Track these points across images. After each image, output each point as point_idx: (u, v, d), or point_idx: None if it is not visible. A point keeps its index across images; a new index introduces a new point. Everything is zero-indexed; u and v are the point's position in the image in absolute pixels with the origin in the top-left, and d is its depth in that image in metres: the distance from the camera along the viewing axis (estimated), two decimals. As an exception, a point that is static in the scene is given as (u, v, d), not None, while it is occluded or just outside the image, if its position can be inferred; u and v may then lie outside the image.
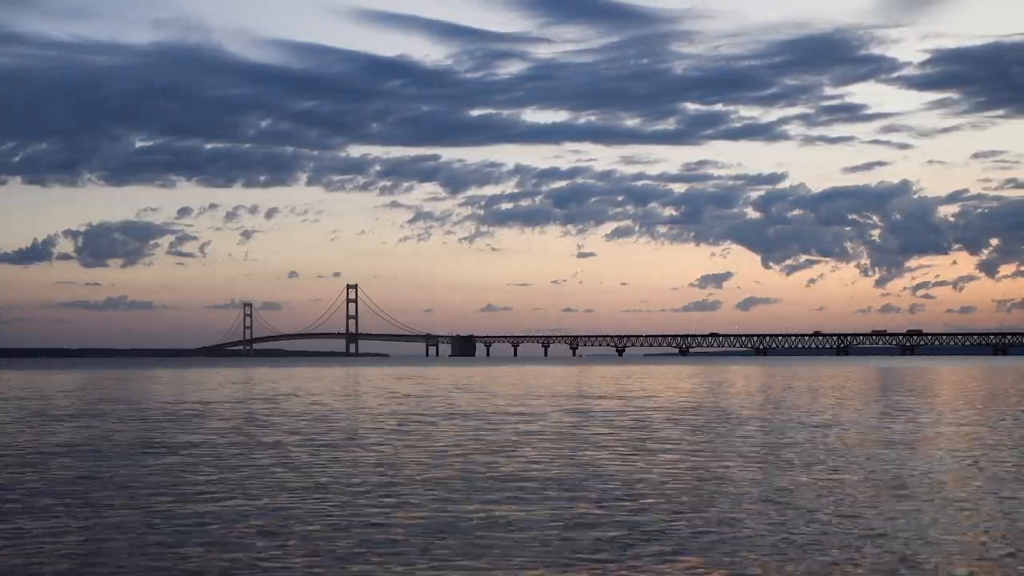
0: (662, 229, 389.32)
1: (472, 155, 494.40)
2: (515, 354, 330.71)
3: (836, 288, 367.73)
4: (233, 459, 18.32)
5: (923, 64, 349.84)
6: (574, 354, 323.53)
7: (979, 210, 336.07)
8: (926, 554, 9.96)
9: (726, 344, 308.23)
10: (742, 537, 10.79)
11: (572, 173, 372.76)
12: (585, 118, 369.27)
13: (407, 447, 20.33)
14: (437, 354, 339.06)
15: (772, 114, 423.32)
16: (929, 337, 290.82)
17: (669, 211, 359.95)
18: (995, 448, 19.58)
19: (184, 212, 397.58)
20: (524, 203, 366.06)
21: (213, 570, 9.49)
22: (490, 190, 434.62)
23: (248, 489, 14.45)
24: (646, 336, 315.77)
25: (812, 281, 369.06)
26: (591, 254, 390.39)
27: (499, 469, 16.55)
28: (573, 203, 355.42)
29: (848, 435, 22.57)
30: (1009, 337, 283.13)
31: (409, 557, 9.92)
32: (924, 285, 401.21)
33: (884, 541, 10.56)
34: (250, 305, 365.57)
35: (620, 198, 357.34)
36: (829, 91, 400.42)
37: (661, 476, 15.62)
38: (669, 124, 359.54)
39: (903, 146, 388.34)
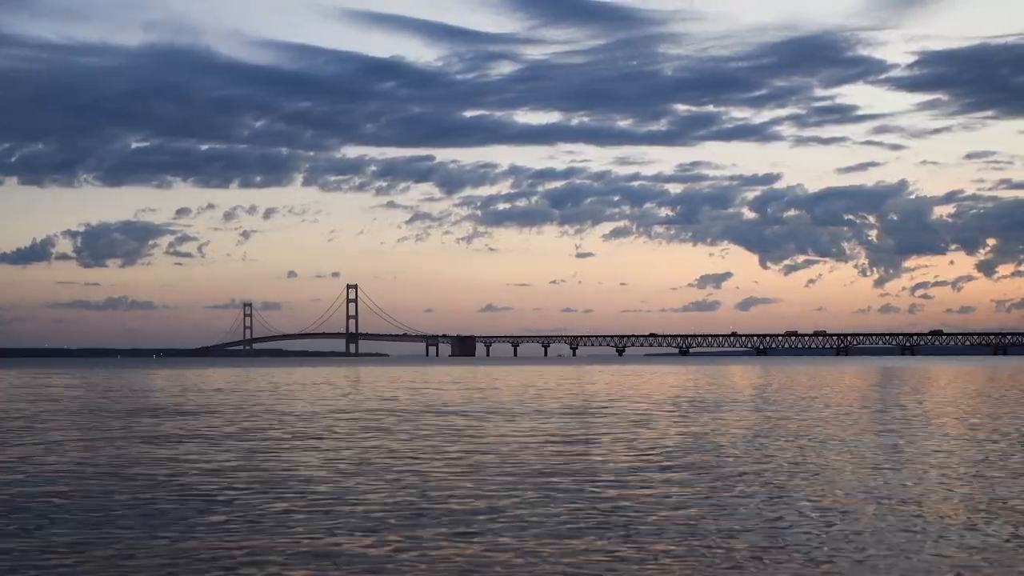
0: (659, 229, 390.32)
1: (466, 156, 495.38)
2: (515, 354, 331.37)
3: (835, 288, 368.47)
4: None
5: (911, 66, 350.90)
6: (574, 354, 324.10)
7: (974, 210, 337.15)
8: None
9: (726, 344, 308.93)
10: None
11: (568, 174, 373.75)
12: (577, 119, 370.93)
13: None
14: (437, 354, 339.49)
15: (763, 115, 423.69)
16: (928, 337, 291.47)
17: (665, 211, 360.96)
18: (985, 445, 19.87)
19: (182, 212, 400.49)
20: (520, 203, 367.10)
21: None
22: (485, 190, 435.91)
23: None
24: (646, 336, 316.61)
25: (811, 281, 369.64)
26: (589, 254, 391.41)
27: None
28: (570, 203, 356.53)
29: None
30: (1008, 337, 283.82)
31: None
32: (923, 285, 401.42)
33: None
34: (250, 305, 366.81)
35: (616, 198, 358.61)
36: (819, 92, 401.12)
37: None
38: (661, 125, 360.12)
39: (896, 147, 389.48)
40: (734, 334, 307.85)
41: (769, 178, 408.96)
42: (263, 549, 10.43)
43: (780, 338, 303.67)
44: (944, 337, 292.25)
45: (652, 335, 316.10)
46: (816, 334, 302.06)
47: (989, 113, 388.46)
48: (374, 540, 10.88)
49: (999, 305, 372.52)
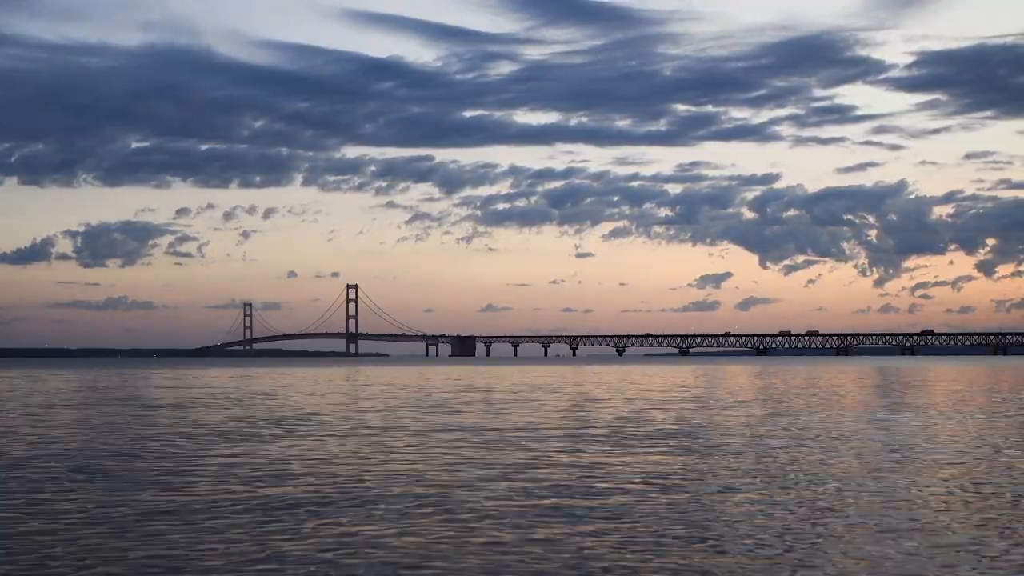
0: (659, 229, 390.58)
1: (466, 156, 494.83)
2: (515, 354, 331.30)
3: (835, 288, 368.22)
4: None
5: (909, 66, 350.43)
6: (574, 354, 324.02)
7: (974, 211, 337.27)
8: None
9: (726, 344, 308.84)
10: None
11: (567, 174, 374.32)
12: (576, 119, 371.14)
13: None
14: (437, 354, 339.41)
15: (762, 115, 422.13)
16: (929, 337, 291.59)
17: (665, 211, 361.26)
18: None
19: (182, 212, 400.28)
20: (520, 203, 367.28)
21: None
22: (485, 190, 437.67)
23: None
24: (646, 336, 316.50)
25: (811, 281, 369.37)
26: (589, 254, 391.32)
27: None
28: (569, 203, 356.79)
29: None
30: (1008, 337, 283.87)
31: None
32: (923, 285, 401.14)
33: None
34: (250, 305, 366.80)
35: (615, 198, 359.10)
36: (818, 92, 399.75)
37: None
38: (660, 125, 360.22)
39: (895, 147, 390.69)
40: (728, 334, 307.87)
41: (768, 178, 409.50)
42: None
43: (779, 338, 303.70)
44: (944, 337, 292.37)
45: (648, 335, 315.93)
46: (809, 334, 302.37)
47: (988, 113, 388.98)
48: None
49: (999, 305, 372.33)
